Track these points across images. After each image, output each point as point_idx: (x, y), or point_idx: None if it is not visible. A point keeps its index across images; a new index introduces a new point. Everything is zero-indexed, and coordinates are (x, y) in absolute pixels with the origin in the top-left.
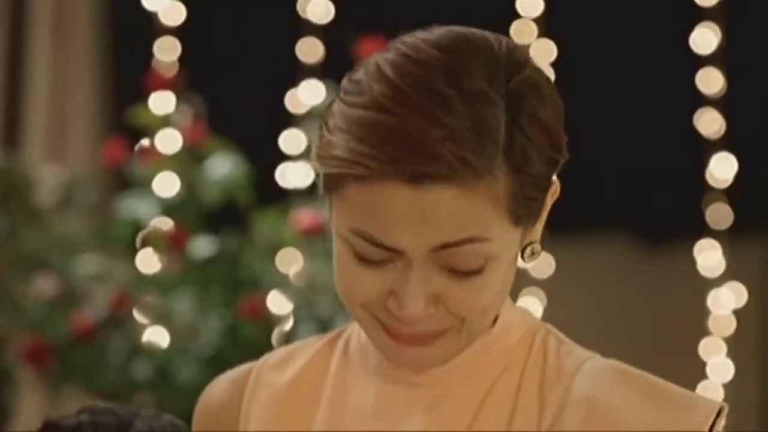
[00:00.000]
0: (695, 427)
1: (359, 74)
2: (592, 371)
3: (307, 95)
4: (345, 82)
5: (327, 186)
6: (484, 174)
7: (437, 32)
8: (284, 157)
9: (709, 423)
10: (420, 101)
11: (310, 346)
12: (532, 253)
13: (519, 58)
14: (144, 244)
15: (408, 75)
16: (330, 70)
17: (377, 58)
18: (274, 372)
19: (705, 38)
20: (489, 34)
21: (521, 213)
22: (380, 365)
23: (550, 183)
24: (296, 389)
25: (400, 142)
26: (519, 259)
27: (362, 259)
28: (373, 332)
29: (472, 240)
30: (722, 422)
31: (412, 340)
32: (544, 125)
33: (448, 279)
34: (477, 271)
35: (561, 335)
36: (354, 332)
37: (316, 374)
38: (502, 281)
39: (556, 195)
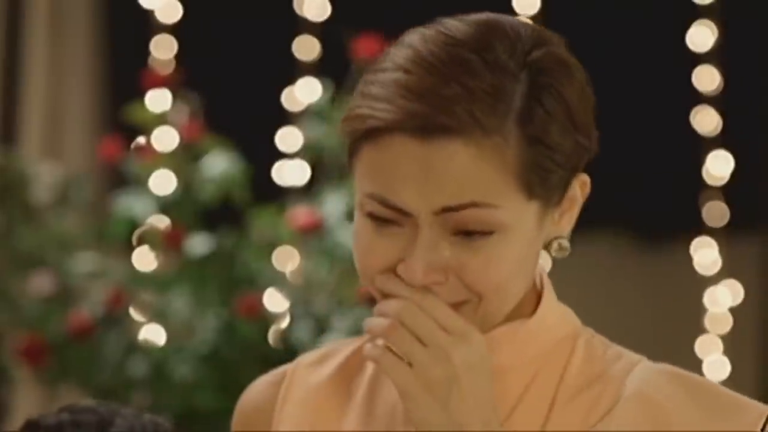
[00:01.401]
0: (745, 428)
1: (390, 48)
2: (643, 373)
3: (303, 93)
4: (378, 56)
5: (349, 155)
6: (491, 133)
7: (474, 15)
8: (281, 155)
9: (759, 427)
10: (439, 64)
11: (347, 346)
12: (560, 248)
13: (545, 36)
14: (140, 242)
15: (431, 42)
16: (326, 68)
17: (409, 33)
18: (308, 371)
19: (701, 36)
20: (524, 21)
21: (533, 183)
22: None
23: (575, 165)
24: (330, 389)
25: (413, 96)
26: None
27: (375, 224)
28: None
29: (474, 204)
30: None
31: None
32: (565, 101)
33: (457, 246)
34: (483, 234)
35: (606, 339)
36: None
37: (351, 374)
38: (519, 259)
39: (587, 191)
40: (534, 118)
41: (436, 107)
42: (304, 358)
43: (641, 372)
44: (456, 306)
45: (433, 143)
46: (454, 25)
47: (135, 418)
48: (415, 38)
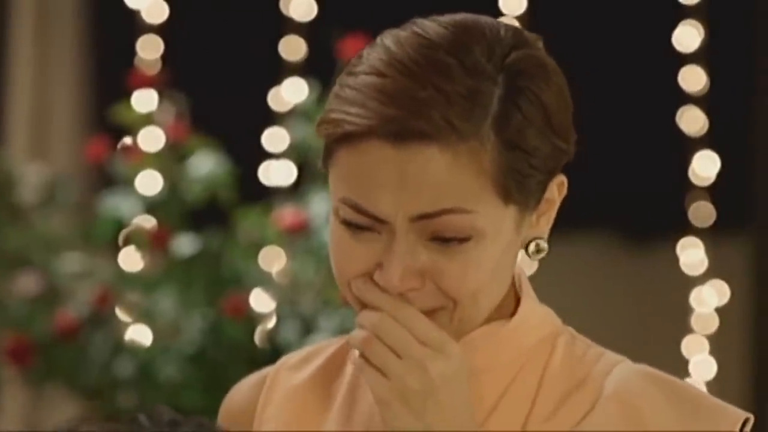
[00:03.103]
0: None
1: (365, 50)
2: (621, 374)
3: (289, 93)
4: (353, 58)
5: (324, 158)
6: (467, 138)
7: (450, 15)
8: (267, 155)
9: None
10: (415, 67)
11: (328, 347)
12: (538, 251)
13: (524, 37)
14: (126, 242)
15: (407, 44)
16: (313, 68)
17: (384, 35)
18: (290, 373)
19: (687, 36)
20: (501, 22)
21: (510, 187)
22: None
23: (552, 168)
24: (311, 391)
25: (388, 100)
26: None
27: (350, 230)
28: None
29: (451, 211)
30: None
31: None
32: (543, 105)
33: (434, 252)
34: (460, 241)
35: (587, 339)
36: None
37: (332, 375)
38: (496, 264)
39: (564, 191)
40: (511, 122)
41: (412, 112)
42: (286, 360)
43: (619, 373)
44: (431, 313)
45: (409, 149)
46: (430, 26)
47: (204, 421)
48: (390, 40)
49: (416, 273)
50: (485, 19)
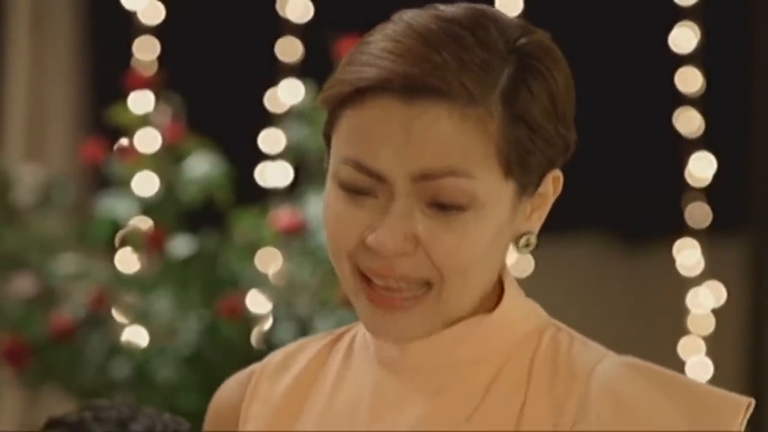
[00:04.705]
0: (724, 427)
1: (378, 26)
2: (609, 368)
3: (286, 94)
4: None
5: (327, 127)
6: (476, 102)
7: (463, 3)
8: (263, 157)
9: (739, 422)
10: (431, 36)
11: (315, 343)
12: (527, 245)
13: (533, 28)
14: (123, 244)
15: (423, 17)
16: (309, 70)
17: (400, 12)
18: (276, 371)
19: (684, 37)
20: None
21: (512, 160)
22: (380, 354)
23: (552, 156)
24: (296, 386)
25: (402, 60)
26: (512, 247)
27: (348, 196)
28: (355, 295)
29: (453, 172)
30: (746, 418)
31: (389, 301)
32: (550, 87)
33: (431, 219)
34: (459, 208)
35: (573, 332)
36: (361, 328)
37: (317, 371)
38: (489, 242)
39: (560, 188)
40: (518, 97)
41: (425, 70)
42: (273, 357)
43: (608, 368)
44: (420, 298)
45: (418, 106)
46: (446, 7)
47: (156, 416)
48: (406, 15)
49: (411, 238)
50: (498, 10)
